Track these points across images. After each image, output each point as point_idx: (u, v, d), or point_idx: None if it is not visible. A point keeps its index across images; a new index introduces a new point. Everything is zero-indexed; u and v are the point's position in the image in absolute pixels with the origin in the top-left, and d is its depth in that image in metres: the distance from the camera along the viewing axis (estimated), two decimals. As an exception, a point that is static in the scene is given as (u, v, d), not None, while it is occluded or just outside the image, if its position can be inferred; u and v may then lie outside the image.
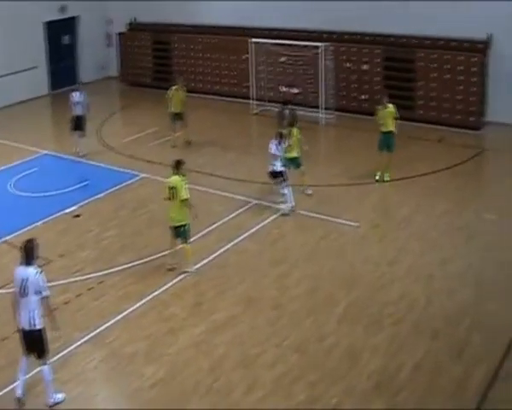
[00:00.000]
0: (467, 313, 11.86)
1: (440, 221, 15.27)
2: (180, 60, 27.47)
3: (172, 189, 13.12)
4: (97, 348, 11.32)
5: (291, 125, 16.65)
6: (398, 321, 11.64)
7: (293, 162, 16.40)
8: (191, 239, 13.65)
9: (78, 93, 20.44)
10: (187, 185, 13.20)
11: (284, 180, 15.75)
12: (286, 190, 15.79)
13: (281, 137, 15.78)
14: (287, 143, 15.87)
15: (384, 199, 16.78)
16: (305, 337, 11.33)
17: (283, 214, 15.69)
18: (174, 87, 21.08)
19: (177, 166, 13.36)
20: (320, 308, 12.15)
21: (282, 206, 15.83)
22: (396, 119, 17.40)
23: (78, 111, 20.29)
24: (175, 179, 13.20)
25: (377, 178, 17.51)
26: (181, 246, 13.49)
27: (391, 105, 17.52)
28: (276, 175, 15.82)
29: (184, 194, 13.06)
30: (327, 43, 22.86)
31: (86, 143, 20.51)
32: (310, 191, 16.65)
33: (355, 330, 11.46)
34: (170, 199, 13.21)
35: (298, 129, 16.50)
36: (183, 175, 13.32)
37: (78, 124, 20.29)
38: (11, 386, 10.37)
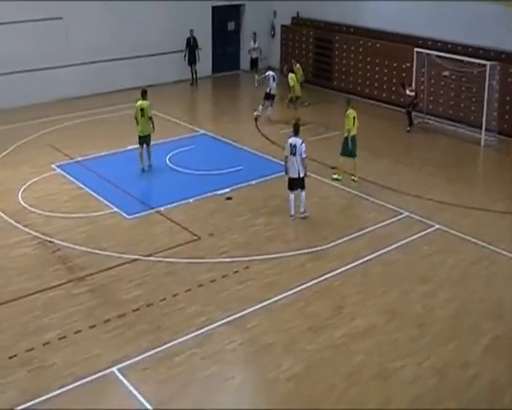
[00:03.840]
0: None
1: None
2: (340, 60, 27.39)
3: None
4: (237, 332, 11.50)
5: None
6: (548, 363, 11.07)
7: None
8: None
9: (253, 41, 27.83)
10: None
11: None
12: None
13: None
14: None
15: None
16: (446, 362, 10.97)
17: None
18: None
19: None
20: (465, 335, 11.73)
21: None
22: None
23: (253, 55, 28.32)
24: None
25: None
26: None
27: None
28: None
29: None
30: (494, 62, 21.98)
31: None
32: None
33: (500, 365, 10.95)
34: None
35: None
36: None
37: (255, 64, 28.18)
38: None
